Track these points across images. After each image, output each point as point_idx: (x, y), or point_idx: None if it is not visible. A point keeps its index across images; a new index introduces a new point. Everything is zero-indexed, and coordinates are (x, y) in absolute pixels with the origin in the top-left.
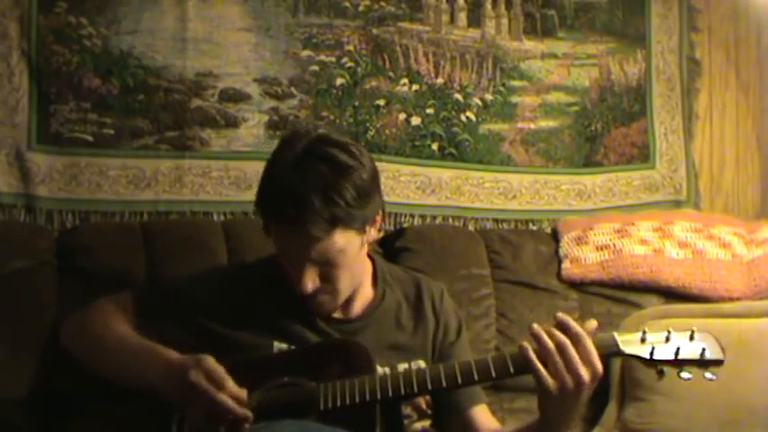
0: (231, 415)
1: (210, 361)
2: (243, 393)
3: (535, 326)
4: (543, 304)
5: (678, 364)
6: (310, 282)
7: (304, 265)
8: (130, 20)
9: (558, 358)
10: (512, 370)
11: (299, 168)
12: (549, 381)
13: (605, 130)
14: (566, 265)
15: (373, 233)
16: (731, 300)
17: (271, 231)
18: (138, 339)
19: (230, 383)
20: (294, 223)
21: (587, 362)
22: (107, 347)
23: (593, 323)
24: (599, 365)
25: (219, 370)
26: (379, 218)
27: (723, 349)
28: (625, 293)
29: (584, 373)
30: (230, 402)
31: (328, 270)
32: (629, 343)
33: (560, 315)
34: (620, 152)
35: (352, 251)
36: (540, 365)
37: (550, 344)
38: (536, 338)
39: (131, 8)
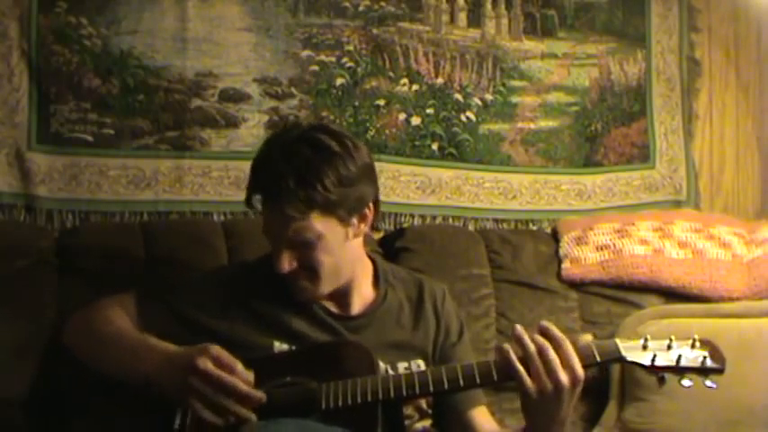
0: (244, 397)
1: (217, 347)
2: (251, 376)
3: (518, 327)
4: (543, 304)
5: (679, 371)
6: (287, 262)
7: (282, 245)
8: (130, 20)
9: (538, 361)
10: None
11: (286, 149)
12: (529, 383)
13: (605, 130)
14: (566, 265)
15: (363, 227)
16: (731, 300)
17: (252, 204)
18: (138, 334)
19: (240, 367)
20: (271, 200)
21: (567, 366)
22: (107, 343)
23: (588, 337)
24: (579, 370)
25: (227, 355)
26: (369, 213)
27: (724, 358)
28: (625, 293)
29: (564, 378)
30: (242, 385)
31: (308, 254)
32: (631, 350)
33: (543, 322)
34: (620, 152)
35: (334, 240)
36: (520, 367)
37: (532, 347)
38: (518, 340)
39: (131, 8)
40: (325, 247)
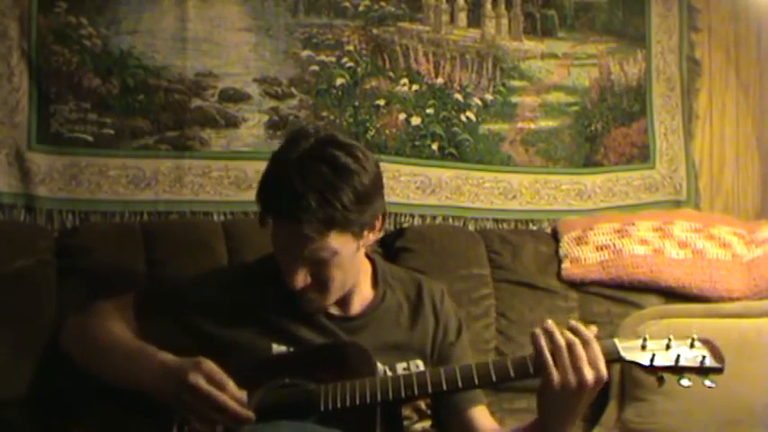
0: (233, 416)
1: (209, 363)
2: (243, 395)
3: (549, 321)
4: (543, 304)
5: (678, 371)
6: (301, 279)
7: (296, 262)
8: (130, 20)
9: (566, 355)
10: (512, 374)
11: (300, 167)
12: (555, 374)
13: (605, 130)
14: (566, 265)
15: (372, 237)
16: (731, 300)
17: (266, 223)
18: (134, 342)
19: (231, 385)
20: (290, 221)
21: (593, 364)
22: (104, 350)
23: (593, 329)
24: (604, 371)
25: (219, 372)
26: (378, 223)
27: (723, 357)
28: (625, 293)
29: (588, 375)
30: (231, 403)
31: (320, 269)
32: (630, 350)
33: (572, 322)
34: (620, 152)
35: (347, 254)
36: (549, 357)
37: (561, 340)
38: (548, 333)
39: (131, 8)
40: (338, 263)
